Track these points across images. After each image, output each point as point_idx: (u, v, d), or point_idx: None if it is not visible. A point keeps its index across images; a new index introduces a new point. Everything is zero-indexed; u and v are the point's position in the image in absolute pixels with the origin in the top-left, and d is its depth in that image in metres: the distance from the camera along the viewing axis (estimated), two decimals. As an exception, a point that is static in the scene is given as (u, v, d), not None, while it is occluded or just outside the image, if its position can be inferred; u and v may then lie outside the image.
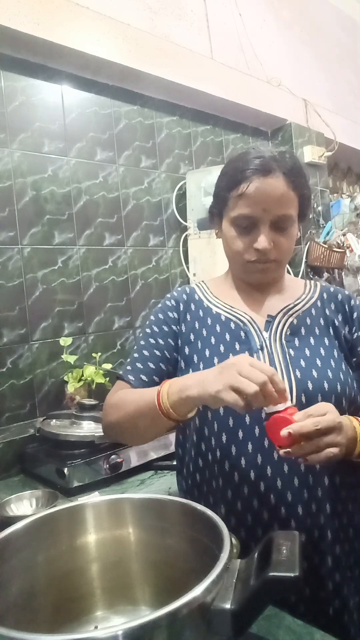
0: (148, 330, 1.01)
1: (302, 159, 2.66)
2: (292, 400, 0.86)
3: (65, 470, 1.33)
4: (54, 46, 1.69)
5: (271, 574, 0.48)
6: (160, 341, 0.98)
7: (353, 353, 0.96)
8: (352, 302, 0.99)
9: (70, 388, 1.72)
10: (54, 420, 1.58)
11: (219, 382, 0.72)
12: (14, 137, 1.71)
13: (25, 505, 1.28)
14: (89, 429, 1.46)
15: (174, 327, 0.99)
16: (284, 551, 0.51)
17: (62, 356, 1.74)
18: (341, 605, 0.86)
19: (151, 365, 0.97)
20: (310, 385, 0.87)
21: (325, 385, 0.87)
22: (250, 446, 0.87)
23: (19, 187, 1.71)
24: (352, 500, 0.91)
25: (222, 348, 0.92)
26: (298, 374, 0.88)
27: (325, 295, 1.00)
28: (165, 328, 0.99)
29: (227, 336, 0.93)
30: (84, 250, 1.88)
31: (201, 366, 0.92)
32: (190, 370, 0.94)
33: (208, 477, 0.93)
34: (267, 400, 0.71)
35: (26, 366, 1.70)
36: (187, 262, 2.20)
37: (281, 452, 0.75)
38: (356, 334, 0.96)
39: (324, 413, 0.74)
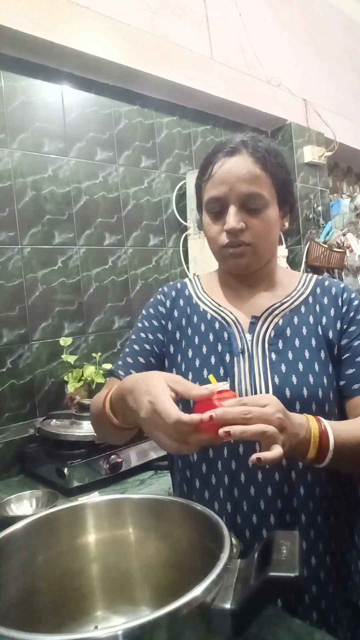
0: (139, 325, 1.01)
1: (302, 159, 2.67)
2: None
3: (65, 470, 1.33)
4: (54, 46, 1.69)
5: (271, 574, 0.48)
6: (150, 335, 0.98)
7: (339, 347, 0.90)
8: (345, 295, 0.93)
9: (70, 388, 1.72)
10: (54, 420, 1.58)
11: (145, 426, 0.68)
12: (14, 137, 1.71)
13: (25, 505, 1.28)
14: (89, 429, 1.46)
15: (163, 322, 0.98)
16: (284, 551, 0.51)
17: (62, 356, 1.74)
18: (327, 605, 0.85)
19: (141, 359, 0.96)
20: (287, 393, 0.84)
21: (305, 392, 0.84)
22: (225, 451, 0.87)
23: (19, 187, 1.71)
24: (336, 498, 0.89)
25: (204, 349, 0.91)
26: (277, 380, 0.85)
27: (318, 290, 0.95)
28: (155, 322, 0.99)
29: (211, 337, 0.92)
30: (84, 250, 1.88)
31: (183, 367, 0.91)
32: (174, 370, 0.93)
33: (190, 476, 0.93)
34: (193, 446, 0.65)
35: (26, 366, 1.70)
36: (187, 262, 2.20)
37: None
38: (345, 326, 0.90)
39: (264, 405, 0.66)
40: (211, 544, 0.58)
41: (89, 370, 1.74)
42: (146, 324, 1.00)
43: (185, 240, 2.20)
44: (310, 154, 2.67)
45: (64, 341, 1.76)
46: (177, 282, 1.04)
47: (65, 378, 1.75)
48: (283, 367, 0.86)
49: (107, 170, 1.98)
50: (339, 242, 2.74)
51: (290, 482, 0.85)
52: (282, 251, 2.51)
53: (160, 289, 1.04)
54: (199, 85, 2.15)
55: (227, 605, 0.48)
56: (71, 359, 1.74)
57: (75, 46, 1.73)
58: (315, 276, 0.99)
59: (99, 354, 1.84)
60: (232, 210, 0.85)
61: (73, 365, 1.75)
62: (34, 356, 1.72)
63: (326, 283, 0.96)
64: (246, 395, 0.85)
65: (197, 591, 0.47)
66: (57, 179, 1.81)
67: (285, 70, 2.71)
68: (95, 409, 0.90)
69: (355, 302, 0.93)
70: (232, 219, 0.85)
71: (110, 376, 0.99)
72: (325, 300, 0.93)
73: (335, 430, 0.76)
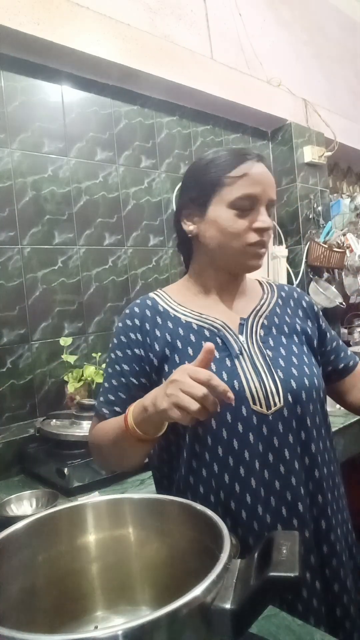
0: (113, 356, 0.95)
1: (302, 159, 2.67)
2: (280, 401, 0.87)
3: (65, 470, 1.33)
4: (54, 46, 1.69)
5: (271, 574, 0.48)
6: (125, 367, 0.93)
7: (322, 343, 1.01)
8: (307, 298, 1.05)
9: (70, 388, 1.72)
10: (54, 420, 1.58)
11: (165, 401, 0.71)
12: (14, 137, 1.71)
13: (25, 505, 1.28)
14: (88, 429, 1.46)
15: (136, 351, 0.92)
16: (284, 551, 0.51)
17: (62, 356, 1.74)
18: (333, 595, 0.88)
19: (122, 395, 0.93)
20: (294, 384, 0.88)
21: (306, 381, 0.90)
22: (247, 454, 0.86)
23: (19, 187, 1.71)
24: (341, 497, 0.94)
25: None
26: (280, 374, 0.89)
27: (283, 294, 1.03)
28: (129, 352, 0.93)
29: (204, 345, 0.90)
30: (84, 250, 1.88)
31: None
32: None
33: (192, 482, 0.90)
34: (210, 410, 0.69)
35: (26, 366, 1.70)
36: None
37: None
38: (324, 324, 1.03)
39: None
40: (211, 544, 0.58)
41: (89, 370, 1.74)
42: (119, 354, 0.94)
43: (185, 240, 2.20)
44: (310, 154, 2.67)
45: (64, 341, 1.76)
46: (145, 300, 0.98)
47: (65, 378, 1.75)
48: (281, 362, 0.90)
49: (107, 170, 1.98)
50: (339, 242, 2.74)
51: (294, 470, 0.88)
52: (282, 251, 2.51)
53: (127, 311, 0.97)
54: (199, 85, 2.15)
55: (227, 605, 0.48)
56: (71, 359, 1.74)
57: (75, 46, 1.73)
58: (273, 283, 1.07)
59: (99, 354, 1.84)
60: (262, 210, 0.90)
61: (73, 365, 1.75)
62: (34, 356, 1.72)
63: (286, 288, 1.05)
64: (257, 393, 0.87)
65: (197, 591, 0.47)
66: (57, 179, 1.81)
67: (285, 70, 2.71)
68: (105, 437, 0.89)
69: (313, 302, 1.06)
70: (267, 218, 0.90)
71: (96, 414, 0.97)
72: (292, 303, 1.02)
73: None
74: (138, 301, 0.98)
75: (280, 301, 1.01)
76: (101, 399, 0.95)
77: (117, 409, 0.92)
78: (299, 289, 1.07)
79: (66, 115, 1.85)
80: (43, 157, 1.78)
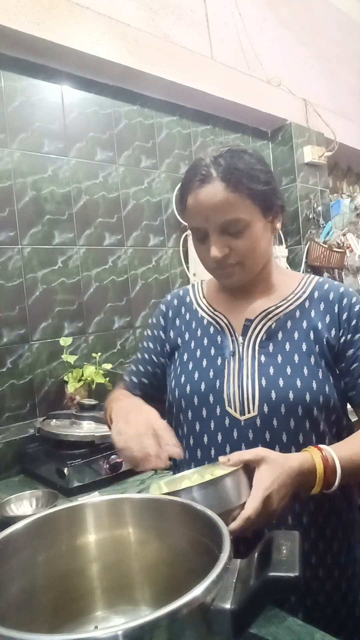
0: (146, 333, 1.08)
1: (302, 159, 2.67)
2: (254, 409, 0.85)
3: (65, 470, 1.33)
4: (54, 46, 1.69)
5: (271, 574, 0.48)
6: (151, 345, 1.05)
7: (340, 358, 0.89)
8: (345, 301, 0.90)
9: (70, 388, 1.72)
10: (54, 420, 1.58)
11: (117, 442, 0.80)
12: (14, 137, 1.71)
13: (25, 505, 1.28)
14: (89, 429, 1.46)
15: (161, 333, 1.03)
16: (284, 551, 0.51)
17: (62, 356, 1.74)
18: (326, 601, 0.87)
19: (141, 367, 1.06)
20: (273, 395, 0.84)
21: (291, 395, 0.84)
22: (213, 452, 0.88)
23: (19, 187, 1.71)
24: (327, 525, 0.89)
25: (198, 353, 0.94)
26: (263, 382, 0.86)
27: (316, 294, 0.93)
28: (156, 333, 1.05)
29: (205, 341, 0.94)
30: (84, 250, 1.88)
31: (178, 370, 0.95)
32: (172, 374, 0.97)
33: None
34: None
35: (26, 366, 1.70)
36: (187, 262, 2.20)
37: None
38: (343, 337, 0.89)
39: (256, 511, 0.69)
40: (211, 544, 0.57)
41: (89, 370, 1.74)
42: (149, 333, 1.06)
43: (185, 240, 2.20)
44: (310, 154, 2.67)
45: (64, 341, 1.76)
46: (180, 290, 1.07)
47: (65, 378, 1.75)
48: (271, 370, 0.87)
49: (107, 170, 1.98)
50: (339, 242, 2.74)
51: None
52: (282, 251, 2.51)
53: (164, 297, 1.08)
54: (199, 85, 2.15)
55: (227, 605, 0.48)
56: (71, 359, 1.74)
57: (75, 46, 1.73)
58: (316, 278, 0.97)
59: (99, 354, 1.84)
60: (213, 239, 0.85)
61: (73, 365, 1.75)
62: (34, 356, 1.72)
63: (325, 287, 0.94)
64: (233, 396, 0.87)
65: (197, 591, 0.46)
66: (57, 179, 1.81)
67: (285, 70, 2.71)
68: (107, 408, 1.01)
69: (357, 308, 0.90)
70: (214, 249, 0.85)
71: (121, 378, 1.09)
72: (322, 306, 0.91)
73: (341, 456, 0.78)
74: (175, 290, 1.09)
75: (306, 303, 0.92)
76: (131, 366, 1.09)
77: (134, 378, 1.06)
78: (342, 289, 0.93)
79: (66, 115, 1.85)
80: (43, 157, 1.78)
